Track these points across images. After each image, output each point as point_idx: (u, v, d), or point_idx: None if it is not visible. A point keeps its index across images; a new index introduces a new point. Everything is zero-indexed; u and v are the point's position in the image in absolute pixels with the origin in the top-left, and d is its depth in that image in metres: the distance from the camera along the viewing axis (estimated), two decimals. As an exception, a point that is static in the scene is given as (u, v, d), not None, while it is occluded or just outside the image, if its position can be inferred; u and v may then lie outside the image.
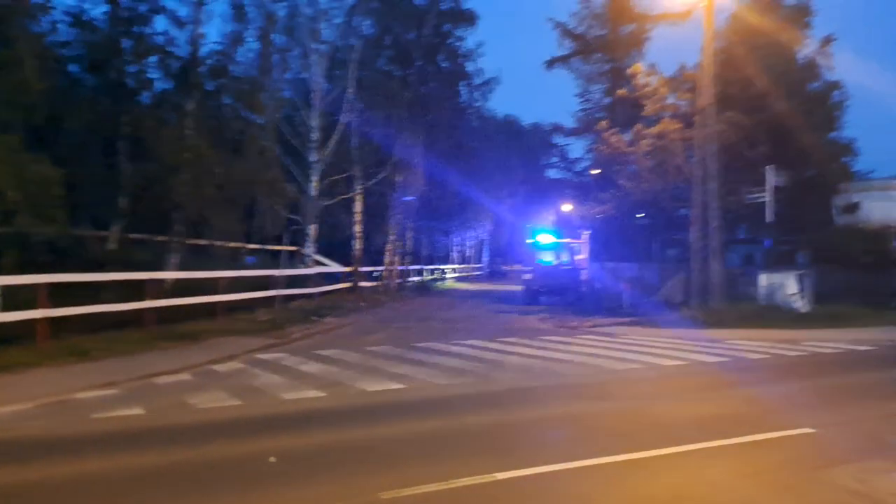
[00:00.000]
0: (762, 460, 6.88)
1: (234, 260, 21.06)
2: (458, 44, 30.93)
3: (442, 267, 44.14)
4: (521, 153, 47.25)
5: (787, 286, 20.53)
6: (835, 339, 16.57)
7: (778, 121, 23.51)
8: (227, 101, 18.90)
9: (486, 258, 59.10)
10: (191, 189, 16.93)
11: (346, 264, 28.85)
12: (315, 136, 25.20)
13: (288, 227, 20.41)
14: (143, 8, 16.36)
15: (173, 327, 15.81)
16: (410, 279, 36.59)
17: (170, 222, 17.54)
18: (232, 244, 20.21)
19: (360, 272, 29.13)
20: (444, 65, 31.29)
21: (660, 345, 15.56)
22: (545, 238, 27.63)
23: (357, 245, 28.27)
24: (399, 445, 7.38)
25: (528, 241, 29.12)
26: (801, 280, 20.56)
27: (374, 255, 31.94)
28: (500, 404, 9.53)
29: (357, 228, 28.18)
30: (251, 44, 21.36)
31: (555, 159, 37.80)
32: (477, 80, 32.95)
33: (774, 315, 19.32)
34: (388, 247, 30.74)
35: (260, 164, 18.40)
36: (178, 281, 17.99)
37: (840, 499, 5.86)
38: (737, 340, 16.33)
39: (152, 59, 17.21)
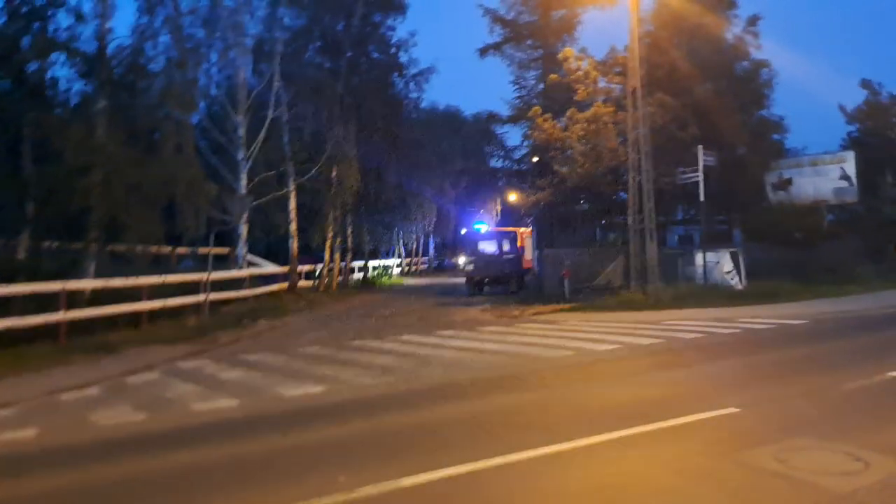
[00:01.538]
0: (685, 445, 6.60)
1: (157, 265, 20.12)
2: (389, 33, 30.37)
3: (386, 262, 43.55)
4: (463, 144, 46.87)
5: (723, 264, 20.64)
6: (768, 315, 16.64)
7: (706, 101, 23.61)
8: (141, 98, 17.98)
9: (431, 251, 58.69)
10: (102, 191, 16.06)
11: (284, 264, 28.09)
12: (241, 132, 24.36)
13: (210, 228, 19.53)
14: (39, 1, 15.39)
15: (90, 339, 14.98)
16: (353, 276, 35.95)
17: (83, 228, 16.63)
18: (157, 248, 19.28)
19: (298, 271, 28.41)
20: (375, 56, 30.68)
21: (596, 329, 15.39)
22: (481, 228, 27.38)
23: (293, 244, 27.52)
24: (303, 455, 6.89)
25: (465, 231, 28.86)
26: (735, 258, 20.68)
27: (313, 252, 31.18)
28: (421, 403, 9.10)
29: (292, 227, 27.42)
30: (166, 38, 20.32)
31: (495, 149, 37.61)
32: (412, 71, 32.44)
33: (711, 294, 19.38)
34: (328, 244, 30.03)
35: (178, 163, 17.55)
36: (97, 290, 17.12)
37: (761, 481, 5.61)
38: (673, 321, 16.29)
39: (58, 55, 16.25)
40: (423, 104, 42.67)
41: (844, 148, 31.89)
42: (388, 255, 47.86)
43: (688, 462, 6.11)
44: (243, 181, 24.55)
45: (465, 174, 42.06)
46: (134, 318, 17.31)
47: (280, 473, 6.30)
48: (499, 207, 53.64)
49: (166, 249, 24.89)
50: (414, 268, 51.92)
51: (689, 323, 15.74)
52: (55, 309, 14.68)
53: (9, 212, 16.01)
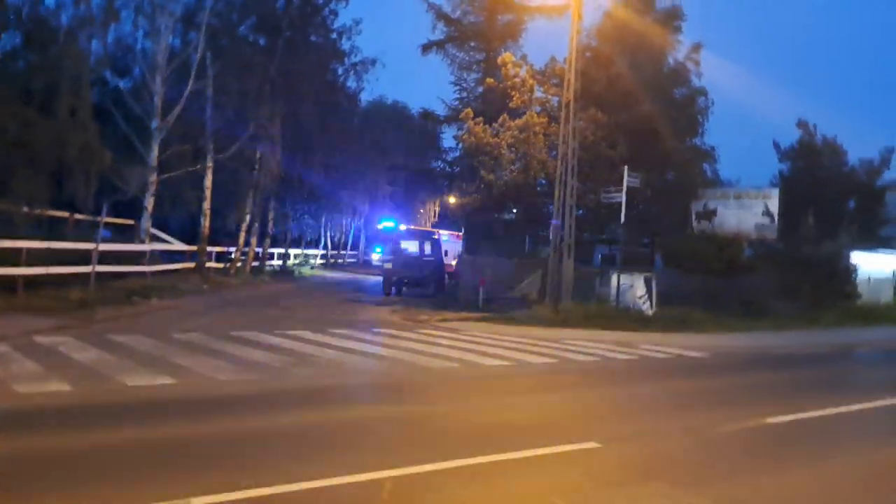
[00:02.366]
0: (528, 482, 5.97)
1: (54, 230, 18.68)
2: (330, 18, 29.31)
3: (308, 252, 42.34)
4: (407, 140, 45.94)
5: (636, 288, 20.36)
6: (670, 343, 16.33)
7: (639, 122, 23.40)
8: (38, 54, 16.61)
9: (362, 246, 57.58)
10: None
11: (192, 242, 26.80)
12: (157, 101, 23.03)
13: (113, 196, 18.27)
14: None
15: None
16: (271, 263, 34.77)
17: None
18: (43, 212, 17.86)
19: (208, 252, 27.16)
20: (314, 39, 29.59)
21: (494, 343, 14.81)
22: (396, 224, 26.63)
23: (205, 222, 26.25)
24: (117, 458, 5.99)
25: (381, 227, 28.14)
26: (648, 283, 20.42)
27: (229, 234, 29.95)
28: (274, 407, 8.30)
29: (206, 205, 26.16)
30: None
31: (431, 149, 36.91)
32: (353, 59, 31.45)
33: (621, 317, 19.05)
34: (244, 226, 28.85)
35: (70, 126, 16.26)
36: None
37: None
38: (576, 341, 15.84)
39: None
40: (370, 97, 41.90)
41: (774, 185, 32.27)
42: (314, 245, 46.70)
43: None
44: (154, 152, 23.20)
45: (404, 171, 41.15)
46: (10, 284, 16.06)
47: (82, 476, 5.44)
48: (437, 209, 52.94)
49: (64, 214, 23.42)
50: (340, 260, 50.75)
51: (590, 345, 15.30)
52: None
53: None
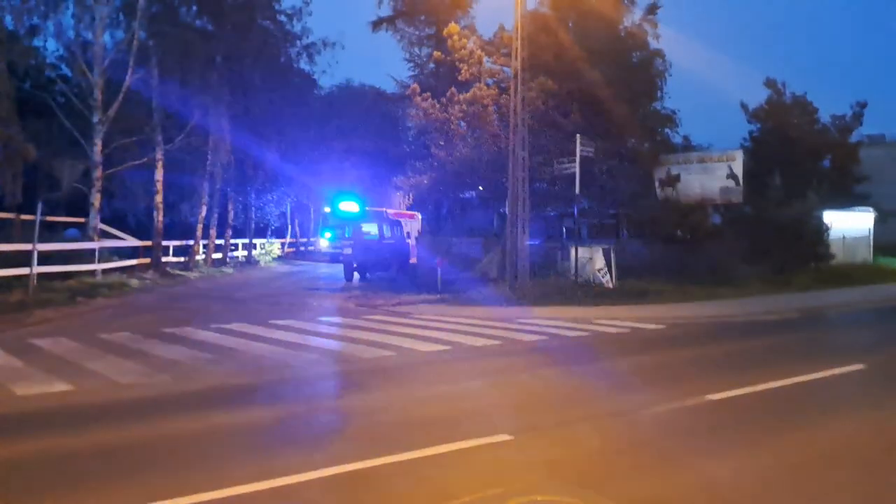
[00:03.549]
0: (424, 484, 5.42)
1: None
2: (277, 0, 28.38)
3: (273, 241, 41.52)
4: (375, 123, 44.99)
5: (595, 261, 19.82)
6: (628, 317, 15.81)
7: (593, 89, 22.68)
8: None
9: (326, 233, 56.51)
10: None
11: (147, 238, 26.02)
12: (97, 94, 22.14)
13: (44, 193, 17.53)
14: None
15: None
16: (234, 254, 34.02)
17: None
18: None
19: (165, 246, 26.41)
20: (263, 23, 28.66)
21: (442, 326, 14.29)
22: (350, 206, 25.83)
23: (158, 216, 25.48)
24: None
25: (329, 210, 27.31)
26: (607, 255, 19.87)
27: (190, 227, 29.17)
28: (167, 411, 7.68)
29: (158, 198, 25.37)
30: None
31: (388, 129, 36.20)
32: (305, 42, 30.55)
33: (579, 291, 18.50)
34: (200, 217, 28.09)
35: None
36: None
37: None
38: (528, 319, 15.31)
39: None
40: (334, 80, 40.88)
41: (745, 147, 31.55)
42: (281, 234, 45.86)
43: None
44: (97, 146, 22.37)
45: (367, 154, 40.29)
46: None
47: None
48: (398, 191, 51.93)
49: (9, 215, 22.63)
50: (311, 248, 49.84)
51: (542, 323, 14.76)
52: None
53: None
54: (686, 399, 8.16)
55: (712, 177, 26.14)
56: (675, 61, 26.69)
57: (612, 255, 19.77)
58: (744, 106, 33.29)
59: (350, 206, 25.78)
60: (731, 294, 20.23)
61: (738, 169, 25.93)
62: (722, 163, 26.22)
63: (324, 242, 41.98)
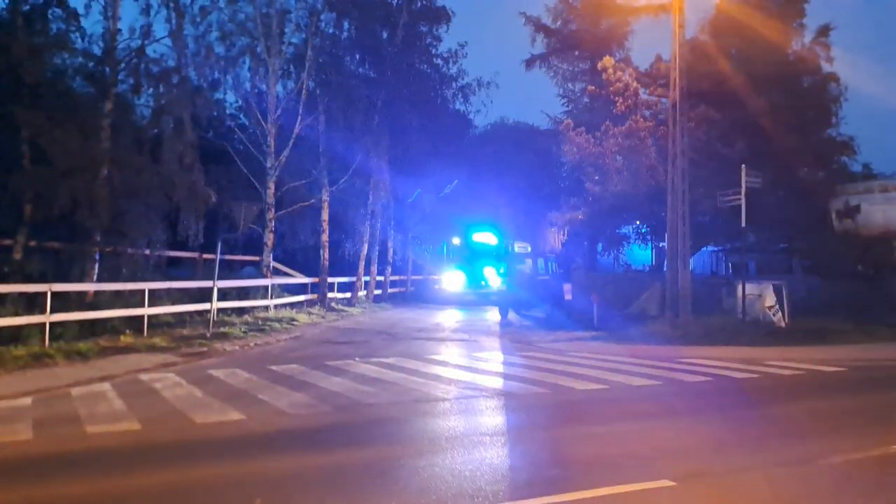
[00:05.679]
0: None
1: (158, 269, 19.76)
2: (434, 44, 29.43)
3: (434, 277, 42.37)
4: (529, 160, 45.21)
5: (765, 298, 18.61)
6: (803, 358, 14.69)
7: (759, 117, 21.51)
8: (145, 102, 17.71)
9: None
10: (103, 194, 15.75)
11: (313, 274, 27.48)
12: (270, 141, 23.91)
13: (222, 234, 19.01)
14: (37, 1, 15.21)
15: (77, 344, 14.67)
16: (393, 289, 35.09)
17: (84, 230, 16.37)
18: (171, 253, 18.97)
19: (329, 283, 27.75)
20: (421, 66, 29.81)
21: (599, 364, 13.93)
22: (486, 237, 25.72)
23: (324, 254, 26.88)
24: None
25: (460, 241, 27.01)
26: (778, 291, 18.60)
27: (352, 264, 30.53)
28: (326, 441, 7.98)
29: (324, 237, 26.80)
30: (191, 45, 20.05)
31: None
32: (460, 83, 31.40)
33: (748, 330, 17.44)
34: (362, 255, 29.35)
35: (179, 169, 17.10)
36: (100, 293, 16.87)
37: None
38: (691, 359, 14.60)
39: (64, 55, 16.08)
40: (490, 119, 41.60)
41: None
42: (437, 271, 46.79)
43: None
44: (271, 189, 24.08)
45: (522, 190, 40.50)
46: (138, 324, 17.00)
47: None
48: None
49: (192, 255, 24.77)
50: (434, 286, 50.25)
51: (706, 363, 14.02)
52: (43, 311, 14.50)
53: (5, 211, 15.87)
54: (869, 450, 7.43)
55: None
56: (854, 85, 24.90)
57: (784, 291, 18.49)
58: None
59: (487, 238, 25.64)
60: (924, 336, 18.28)
61: (929, 197, 23.57)
62: (908, 190, 23.92)
63: (448, 280, 37.20)
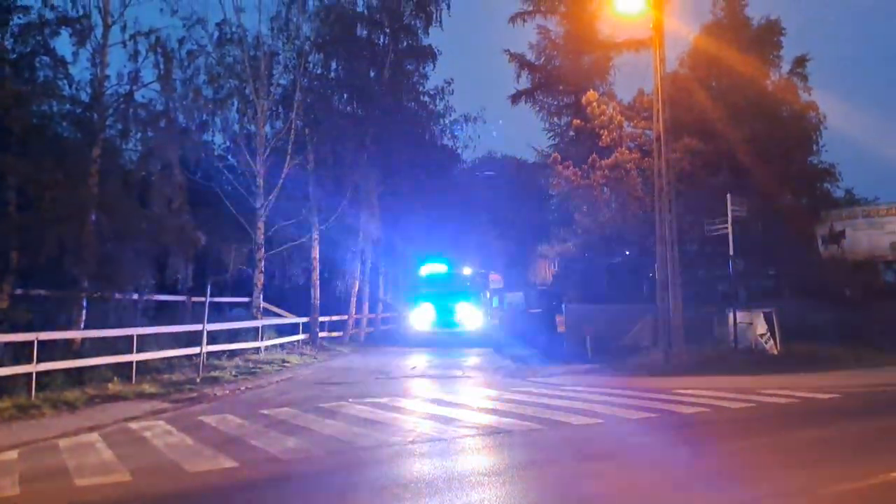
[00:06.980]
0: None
1: (147, 314, 19.60)
2: (420, 81, 29.81)
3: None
4: (516, 194, 45.45)
5: (756, 326, 18.67)
6: (797, 385, 14.70)
7: (742, 146, 21.81)
8: (133, 146, 17.76)
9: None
10: (91, 239, 15.68)
11: (304, 314, 27.34)
12: (259, 181, 23.97)
13: (214, 276, 18.97)
14: (25, 49, 15.32)
15: (64, 393, 14.48)
16: (385, 327, 34.94)
17: (71, 277, 16.27)
18: (159, 297, 18.86)
19: (321, 322, 27.61)
20: (408, 104, 30.12)
21: (594, 397, 13.91)
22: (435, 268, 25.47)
23: (315, 293, 26.80)
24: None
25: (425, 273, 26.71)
26: (769, 319, 18.67)
27: (344, 302, 30.41)
28: (323, 484, 7.88)
29: (314, 276, 26.75)
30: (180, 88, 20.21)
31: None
32: (448, 119, 31.71)
33: (739, 358, 17.48)
34: (353, 293, 29.28)
35: (167, 212, 17.10)
36: (87, 339, 16.68)
37: None
38: (685, 390, 14.57)
39: (52, 102, 16.14)
40: (477, 154, 41.92)
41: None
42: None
43: None
44: (260, 230, 24.08)
45: (507, 225, 40.74)
46: (126, 371, 16.77)
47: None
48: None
49: (181, 298, 24.58)
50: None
51: (701, 393, 13.99)
52: (30, 360, 14.30)
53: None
54: (870, 477, 7.40)
55: (881, 231, 24.18)
56: (833, 114, 25.37)
57: (775, 318, 18.54)
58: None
59: (436, 269, 25.28)
60: (917, 360, 18.35)
61: (912, 221, 23.85)
62: (891, 216, 24.21)
63: (415, 317, 31.88)
